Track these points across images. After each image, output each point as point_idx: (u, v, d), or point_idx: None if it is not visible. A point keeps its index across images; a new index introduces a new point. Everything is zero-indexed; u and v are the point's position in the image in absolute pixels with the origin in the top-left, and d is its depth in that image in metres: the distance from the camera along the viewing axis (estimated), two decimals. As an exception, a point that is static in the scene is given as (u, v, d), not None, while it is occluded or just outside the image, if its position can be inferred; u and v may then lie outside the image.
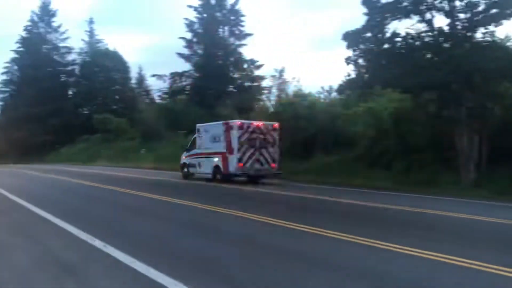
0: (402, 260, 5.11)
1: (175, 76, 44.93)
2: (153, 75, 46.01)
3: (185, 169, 18.03)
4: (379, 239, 5.90)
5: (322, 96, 27.50)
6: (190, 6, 43.09)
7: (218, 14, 43.68)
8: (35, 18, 56.94)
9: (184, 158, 18.18)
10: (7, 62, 57.01)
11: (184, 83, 45.49)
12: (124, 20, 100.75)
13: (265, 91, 36.80)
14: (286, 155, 20.11)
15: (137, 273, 4.33)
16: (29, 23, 56.29)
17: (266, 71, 72.72)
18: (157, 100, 50.76)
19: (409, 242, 5.86)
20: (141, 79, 57.95)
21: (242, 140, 15.00)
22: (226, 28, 44.40)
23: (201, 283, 4.08)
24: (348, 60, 23.10)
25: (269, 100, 34.32)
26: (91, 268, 4.67)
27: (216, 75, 41.71)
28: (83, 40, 57.21)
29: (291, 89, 30.20)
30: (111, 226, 7.45)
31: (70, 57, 57.62)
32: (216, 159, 15.85)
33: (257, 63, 43.79)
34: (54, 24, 55.51)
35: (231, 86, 43.92)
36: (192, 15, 43.58)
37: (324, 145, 20.64)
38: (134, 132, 41.80)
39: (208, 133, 16.69)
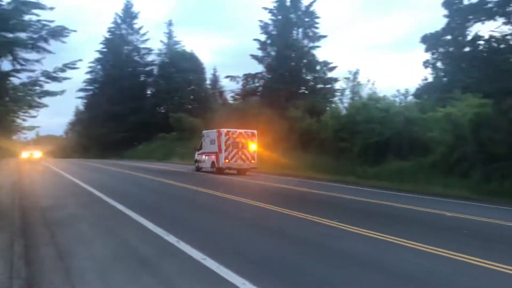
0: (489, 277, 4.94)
1: (248, 77, 48.05)
2: (227, 76, 49.62)
3: (196, 164, 24.66)
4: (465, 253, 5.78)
5: (397, 99, 27.83)
6: (265, 8, 46.61)
7: (292, 16, 46.52)
8: (118, 20, 61.25)
9: (196, 156, 24.91)
10: (91, 62, 63.66)
11: (256, 85, 48.94)
12: (201, 22, 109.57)
13: (338, 93, 38.15)
14: (357, 159, 22.13)
15: (208, 270, 4.72)
16: (112, 25, 61.23)
17: (339, 73, 74.21)
18: (230, 101, 54.96)
19: (495, 257, 5.70)
20: (215, 80, 63.05)
21: (228, 143, 21.47)
22: (300, 30, 47.06)
23: (270, 284, 4.33)
24: (426, 63, 24.90)
25: (342, 103, 35.87)
26: (165, 263, 5.06)
27: (288, 77, 44.46)
28: (161, 41, 63.27)
29: (365, 92, 31.17)
30: (183, 222, 7.93)
31: (149, 58, 63.68)
32: (212, 157, 22.35)
33: (331, 65, 45.57)
34: (136, 26, 61.60)
35: (303, 87, 46.07)
36: (267, 17, 47.16)
37: (398, 150, 20.58)
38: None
39: (208, 138, 23.09)
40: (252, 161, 22.20)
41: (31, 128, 8.83)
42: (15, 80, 8.41)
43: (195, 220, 8.45)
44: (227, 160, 21.74)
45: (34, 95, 8.51)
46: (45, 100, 8.85)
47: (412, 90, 29.32)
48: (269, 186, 16.07)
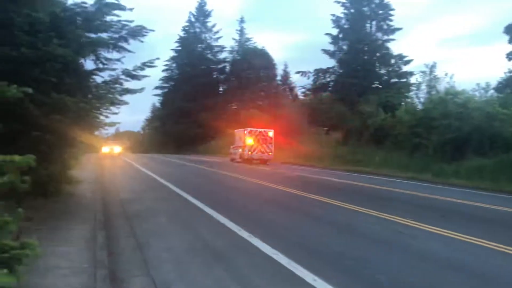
0: None
1: (319, 72, 47.49)
2: (297, 72, 49.22)
3: (231, 156, 30.82)
4: None
5: (477, 93, 26.51)
6: (337, 2, 45.57)
7: (365, 8, 44.99)
8: (192, 19, 62.80)
9: (230, 149, 31.46)
10: (167, 61, 66.19)
11: (327, 80, 48.00)
12: (272, 18, 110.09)
13: (413, 88, 36.50)
14: (433, 156, 21.46)
15: (279, 265, 4.78)
16: (186, 24, 65.30)
17: (415, 67, 70.88)
18: (300, 96, 54.50)
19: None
20: (285, 76, 62.85)
21: (250, 138, 27.54)
22: (373, 23, 45.41)
23: (341, 281, 4.30)
24: (510, 56, 22.70)
25: (418, 97, 34.17)
26: (237, 257, 5.17)
27: (361, 71, 43.23)
28: (234, 39, 64.14)
29: (442, 86, 29.55)
30: (255, 217, 8.01)
31: (222, 56, 65.00)
32: (240, 150, 28.43)
33: (405, 59, 43.53)
34: (208, 24, 62.93)
35: (376, 82, 44.50)
36: (339, 11, 46.02)
37: (477, 146, 19.99)
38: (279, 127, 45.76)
39: (237, 135, 29.93)
40: (270, 153, 28.06)
41: (112, 124, 9.29)
42: (97, 79, 8.80)
43: (265, 214, 8.55)
44: (250, 152, 27.49)
45: (116, 92, 8.85)
46: (125, 97, 9.18)
47: (493, 83, 27.10)
48: (339, 183, 15.88)
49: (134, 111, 59.94)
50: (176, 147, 56.08)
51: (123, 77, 8.93)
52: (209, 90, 60.14)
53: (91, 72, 8.59)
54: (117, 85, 8.90)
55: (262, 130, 28.55)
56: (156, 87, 68.44)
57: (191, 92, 59.54)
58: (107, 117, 9.22)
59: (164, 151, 55.71)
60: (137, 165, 25.60)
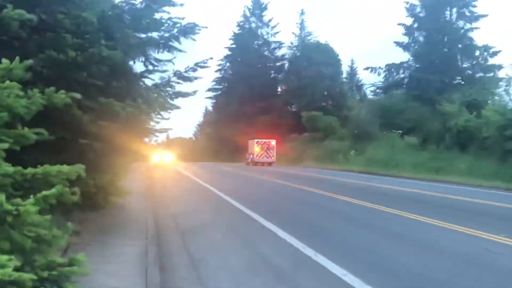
0: None
1: (391, 68, 45.98)
2: (366, 68, 48.02)
3: (246, 161, 43.84)
4: None
5: None
6: (411, -13, 44.02)
7: (445, -7, 43.14)
8: (247, 13, 62.88)
9: (246, 156, 44.36)
10: (220, 60, 67.06)
11: (401, 76, 46.29)
12: (335, 9, 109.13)
13: (503, 83, 34.16)
14: None
15: None
16: (241, 19, 63.37)
17: (504, 59, 66.67)
18: (370, 96, 52.96)
19: None
20: (352, 73, 61.62)
21: (257, 147, 40.71)
22: (454, 9, 43.27)
23: None
24: None
25: (508, 94, 31.98)
26: (302, 277, 5.14)
27: (440, 65, 41.23)
28: (293, 33, 63.74)
29: None
30: (320, 233, 7.95)
31: (280, 52, 64.86)
32: (251, 156, 41.40)
33: (492, 49, 41.00)
34: (265, 18, 63.06)
35: (458, 77, 42.47)
36: (414, -2, 44.30)
37: None
38: (343, 131, 44.94)
39: (249, 145, 43.19)
40: (272, 157, 41.44)
41: (163, 130, 9.39)
42: (147, 81, 8.98)
43: (332, 229, 8.53)
44: (256, 157, 40.97)
45: (167, 96, 8.98)
46: (177, 101, 9.31)
47: None
48: (418, 194, 15.55)
49: (186, 116, 61.80)
50: (230, 154, 57.05)
51: (174, 79, 9.05)
52: (266, 91, 60.37)
53: (141, 75, 8.78)
54: (168, 88, 9.03)
55: (266, 140, 42.03)
56: (209, 89, 69.91)
57: (247, 93, 59.99)
58: (157, 123, 9.38)
59: (218, 158, 56.63)
60: (189, 174, 26.21)
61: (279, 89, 64.93)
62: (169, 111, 9.29)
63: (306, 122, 49.05)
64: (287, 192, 16.25)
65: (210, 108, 79.11)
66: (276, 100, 59.68)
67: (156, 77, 9.18)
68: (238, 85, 62.19)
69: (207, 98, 73.45)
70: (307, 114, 49.20)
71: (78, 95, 4.88)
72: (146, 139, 10.90)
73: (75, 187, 3.91)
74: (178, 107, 9.25)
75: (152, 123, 9.36)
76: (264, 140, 41.78)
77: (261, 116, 56.61)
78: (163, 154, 47.65)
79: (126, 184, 10.85)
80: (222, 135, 61.55)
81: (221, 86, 69.72)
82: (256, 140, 41.62)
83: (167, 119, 9.53)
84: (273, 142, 41.78)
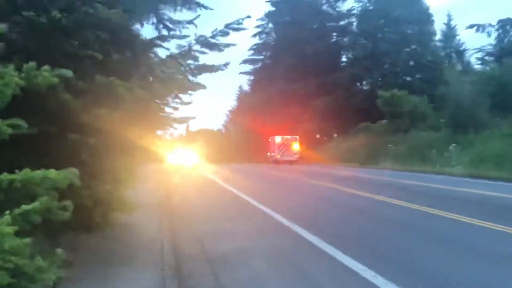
0: None
1: (506, 24, 44.57)
2: (470, 26, 46.72)
3: (268, 159, 53.72)
4: None
5: None
6: None
7: None
8: None
9: (268, 155, 54.50)
10: (260, 20, 66.88)
11: (522, 36, 44.80)
12: None
13: None
14: None
15: None
16: None
17: None
18: (476, 66, 51.26)
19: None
20: (449, 34, 59.52)
21: (279, 144, 51.93)
22: None
23: None
24: None
25: None
26: None
27: None
28: None
29: None
30: (394, 257, 8.35)
31: (345, 6, 64.45)
32: (272, 154, 52.65)
33: None
34: None
35: None
36: None
37: None
38: (438, 117, 43.43)
39: (271, 142, 53.85)
40: (295, 155, 50.85)
41: (184, 120, 9.21)
42: (160, 52, 9.04)
43: (412, 256, 8.68)
44: (278, 156, 50.21)
45: (187, 71, 9.02)
46: (201, 78, 9.33)
47: None
48: None
49: (213, 100, 62.44)
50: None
51: (197, 47, 9.08)
52: (325, 62, 59.75)
53: (151, 43, 8.86)
54: (189, 61, 9.07)
55: (289, 137, 51.92)
56: (245, 61, 70.14)
57: (297, 66, 59.65)
58: (175, 109, 9.44)
59: (259, 157, 56.79)
60: (220, 180, 26.41)
61: (344, 59, 64.43)
62: (190, 92, 9.35)
63: (384, 105, 47.98)
64: (351, 202, 16.74)
65: (246, 88, 78.99)
66: (339, 75, 59.17)
67: (172, 46, 9.25)
68: (285, 55, 62.04)
69: (242, 73, 73.78)
70: (385, 94, 48.07)
71: (67, 73, 4.94)
72: (160, 132, 11.01)
73: (66, 199, 3.97)
74: (203, 87, 9.29)
75: (168, 110, 9.44)
76: (286, 137, 52.47)
77: (318, 97, 56.18)
78: (182, 153, 48.24)
79: (134, 194, 10.98)
80: (264, 125, 61.49)
81: (261, 57, 69.59)
82: (278, 137, 52.42)
83: (189, 103, 9.58)
84: (296, 139, 52.83)
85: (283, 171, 36.59)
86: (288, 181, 27.93)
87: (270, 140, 54.21)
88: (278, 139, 51.53)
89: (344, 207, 16.14)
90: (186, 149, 51.59)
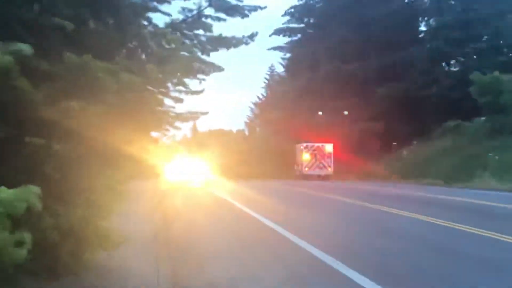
0: None
1: None
2: None
3: (295, 174, 61.55)
4: None
5: None
6: None
7: None
8: None
9: (294, 167, 62.01)
10: None
11: None
12: None
13: None
14: None
15: None
16: None
17: None
18: None
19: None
20: None
21: (306, 154, 59.82)
22: None
23: None
24: None
25: None
26: None
27: None
28: None
29: None
30: None
31: None
32: (299, 167, 60.65)
33: None
34: None
35: None
36: None
37: None
38: None
39: (297, 151, 61.31)
40: (328, 168, 56.76)
41: (191, 116, 8.96)
42: (157, 19, 9.07)
43: None
44: (306, 169, 56.78)
45: (196, 46, 9.03)
46: (216, 57, 9.31)
47: None
48: None
49: (233, 88, 62.93)
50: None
51: (210, 12, 9.09)
52: (394, 32, 60.15)
53: (144, 6, 8.90)
54: (198, 31, 9.08)
55: (319, 144, 56.19)
56: (277, 31, 70.17)
57: (353, 38, 60.21)
58: (178, 101, 9.43)
59: (292, 169, 57.18)
60: (237, 203, 26.39)
61: (421, 29, 64.47)
62: (200, 76, 9.35)
63: (480, 95, 47.46)
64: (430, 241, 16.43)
65: (279, 70, 79.00)
66: (414, 52, 59.14)
67: (174, 10, 9.26)
68: (336, 23, 62.48)
69: (273, 49, 73.76)
70: (483, 78, 47.63)
71: (25, 49, 4.96)
72: (156, 134, 10.99)
73: (22, 230, 3.98)
74: (218, 68, 9.29)
75: (167, 102, 9.44)
76: (315, 145, 57.30)
77: (383, 84, 55.98)
78: (186, 163, 46.67)
79: (119, 223, 10.97)
80: (304, 124, 61.41)
81: (301, 25, 69.65)
82: (304, 145, 57.99)
83: (198, 92, 9.58)
84: (329, 148, 57.53)
85: (331, 192, 36.50)
86: (342, 206, 27.86)
87: (297, 149, 59.55)
88: (304, 147, 57.90)
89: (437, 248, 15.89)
90: (192, 158, 50.38)
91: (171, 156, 41.50)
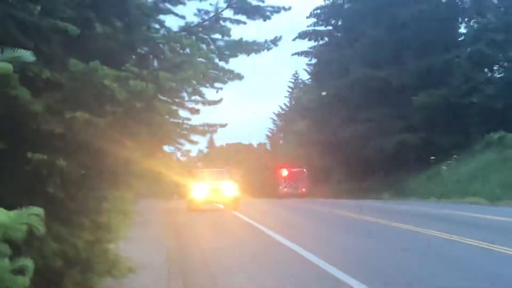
0: None
1: None
2: None
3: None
4: None
5: None
6: None
7: None
8: None
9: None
10: None
11: None
12: None
13: None
14: None
15: None
16: None
17: None
18: None
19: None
20: None
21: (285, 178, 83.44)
22: None
23: None
24: None
25: None
26: None
27: None
28: None
29: None
30: None
31: None
32: (280, 187, 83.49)
33: None
34: None
35: None
36: None
37: None
38: None
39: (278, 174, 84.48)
40: (303, 189, 76.98)
41: (209, 129, 8.93)
42: (171, 21, 9.09)
43: None
44: (285, 189, 78.72)
45: (214, 51, 9.02)
46: (235, 63, 9.28)
47: None
48: None
49: (253, 98, 62.99)
50: (354, 176, 60.58)
51: (229, 14, 9.09)
52: (431, 35, 59.91)
53: (156, 7, 8.91)
54: (215, 35, 9.07)
55: (295, 169, 74.28)
56: (302, 35, 70.37)
57: (386, 42, 60.41)
58: (194, 112, 9.41)
59: (327, 187, 57.11)
60: (275, 234, 26.09)
61: (462, 31, 64.08)
62: (218, 85, 9.34)
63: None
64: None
65: (303, 77, 79.22)
66: (454, 57, 59.02)
67: (189, 12, 9.28)
68: (366, 25, 62.51)
69: (297, 54, 73.93)
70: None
71: (26, 55, 4.94)
72: (169, 149, 10.98)
73: (23, 257, 3.94)
74: (238, 76, 9.27)
75: (182, 114, 9.43)
76: (292, 170, 76.33)
77: (422, 91, 56.18)
78: (214, 181, 43.63)
79: (129, 248, 10.96)
80: (332, 135, 61.52)
81: (328, 27, 69.86)
82: (283, 169, 76.14)
83: (216, 103, 9.56)
84: (303, 171, 76.97)
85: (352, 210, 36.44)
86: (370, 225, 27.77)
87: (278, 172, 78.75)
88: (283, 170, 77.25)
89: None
90: (218, 174, 47.73)
91: (191, 174, 40.90)
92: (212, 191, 41.24)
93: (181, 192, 40.27)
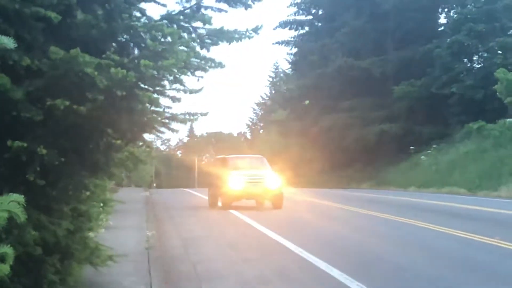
0: None
1: None
2: None
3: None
4: None
5: None
6: None
7: None
8: None
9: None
10: None
11: None
12: None
13: None
14: None
15: None
16: None
17: None
18: None
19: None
20: None
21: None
22: None
23: None
24: None
25: None
26: None
27: None
28: None
29: None
30: None
31: None
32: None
33: None
34: None
35: None
36: None
37: None
38: None
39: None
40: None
41: (189, 118, 8.82)
42: (152, 9, 9.06)
43: None
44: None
45: (195, 39, 9.00)
46: (216, 51, 9.29)
47: None
48: None
49: (233, 88, 62.85)
50: (331, 167, 60.41)
51: (210, 2, 9.05)
52: (412, 24, 60.47)
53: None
54: (196, 23, 9.04)
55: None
56: (283, 24, 70.68)
57: (366, 31, 60.55)
58: (176, 100, 9.36)
59: (309, 180, 57.10)
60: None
61: (442, 21, 64.86)
62: (199, 74, 9.29)
63: (506, 93, 47.18)
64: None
65: (284, 67, 79.15)
66: (434, 47, 58.86)
67: (170, 0, 9.22)
68: (347, 14, 62.60)
69: (278, 43, 73.87)
70: (508, 76, 47.29)
71: (7, 42, 4.93)
72: (149, 138, 10.89)
73: (3, 244, 3.92)
74: (219, 65, 9.23)
75: (163, 102, 9.38)
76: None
77: (402, 80, 56.74)
78: (253, 169, 34.59)
79: (110, 236, 10.88)
80: (313, 124, 61.41)
81: (309, 17, 69.77)
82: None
83: (197, 91, 9.52)
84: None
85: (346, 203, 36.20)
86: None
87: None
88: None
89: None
90: (256, 163, 38.63)
91: (219, 161, 36.43)
92: (252, 183, 32.70)
93: (227, 181, 31.70)
